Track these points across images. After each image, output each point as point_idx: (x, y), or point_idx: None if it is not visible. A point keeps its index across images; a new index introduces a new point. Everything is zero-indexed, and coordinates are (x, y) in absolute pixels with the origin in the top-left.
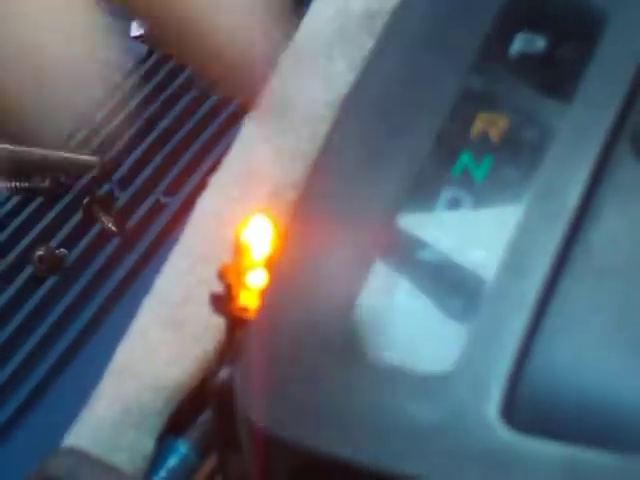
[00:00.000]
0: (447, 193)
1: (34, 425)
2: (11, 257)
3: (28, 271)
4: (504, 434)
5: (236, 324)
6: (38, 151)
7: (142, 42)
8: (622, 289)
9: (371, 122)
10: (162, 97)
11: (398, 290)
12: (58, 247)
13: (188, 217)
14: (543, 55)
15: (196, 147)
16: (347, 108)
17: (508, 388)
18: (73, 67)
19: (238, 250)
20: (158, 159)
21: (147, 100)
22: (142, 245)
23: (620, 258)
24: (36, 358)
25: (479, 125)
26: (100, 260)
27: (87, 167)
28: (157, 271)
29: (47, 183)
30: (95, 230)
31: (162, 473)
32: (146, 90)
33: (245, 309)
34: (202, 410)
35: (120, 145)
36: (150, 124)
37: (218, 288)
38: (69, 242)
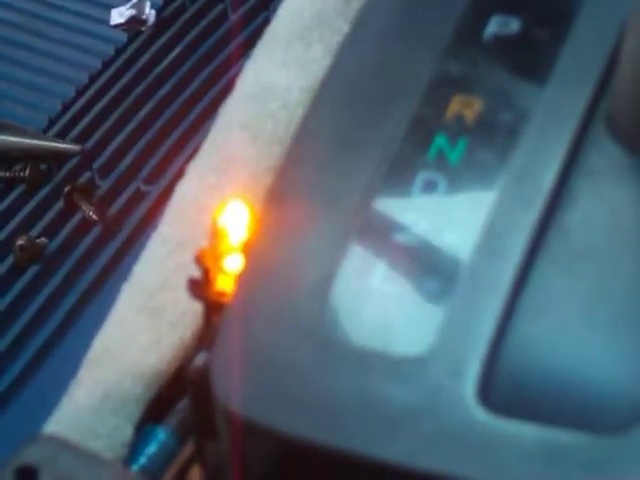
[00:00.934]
0: (423, 176)
1: (13, 414)
2: None
3: (9, 260)
4: (481, 415)
5: (213, 309)
6: (18, 140)
7: (122, 30)
8: (597, 270)
9: (346, 106)
10: (142, 85)
11: (374, 273)
12: (39, 236)
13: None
14: (518, 37)
15: (176, 135)
16: (322, 93)
17: (484, 369)
18: None
19: (215, 235)
20: (138, 148)
21: (127, 88)
22: (123, 233)
23: (595, 240)
24: (18, 346)
25: (454, 108)
26: (81, 248)
27: (68, 155)
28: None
29: (28, 172)
30: (76, 219)
31: (141, 460)
32: (126, 78)
33: (222, 294)
34: (181, 396)
35: (100, 133)
36: (130, 113)
37: (196, 273)
38: (50, 231)
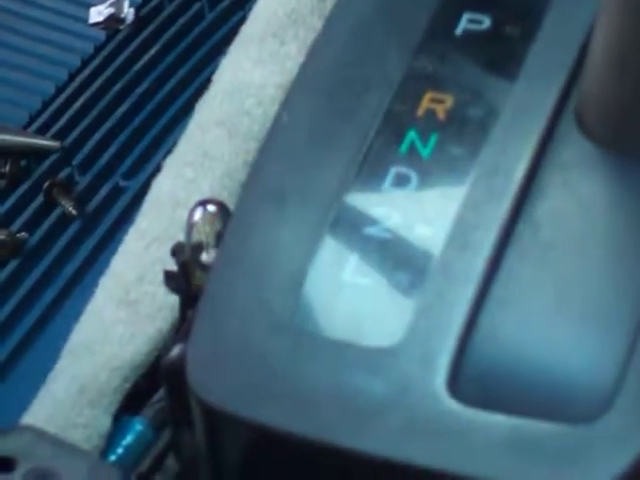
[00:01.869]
0: (395, 170)
1: None
2: None
3: None
4: (451, 406)
5: (190, 302)
6: None
7: (101, 28)
8: (566, 263)
9: (320, 101)
10: (121, 83)
11: (347, 266)
12: (19, 231)
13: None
14: (488, 34)
15: (154, 131)
16: (296, 88)
17: (455, 361)
18: None
19: (191, 229)
20: (117, 144)
21: (106, 86)
22: (102, 228)
23: (564, 232)
24: None
25: (426, 103)
26: (61, 243)
27: (48, 152)
28: None
29: (8, 168)
30: (55, 214)
31: (118, 450)
32: (105, 75)
33: (198, 287)
34: (158, 388)
35: (80, 130)
36: (109, 109)
37: (172, 267)
38: (30, 226)
